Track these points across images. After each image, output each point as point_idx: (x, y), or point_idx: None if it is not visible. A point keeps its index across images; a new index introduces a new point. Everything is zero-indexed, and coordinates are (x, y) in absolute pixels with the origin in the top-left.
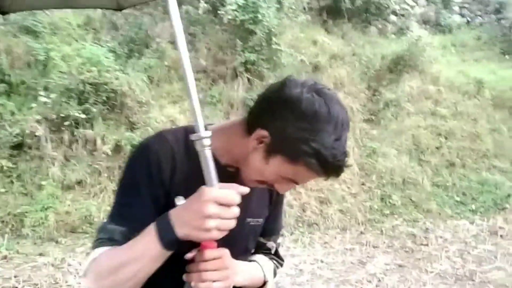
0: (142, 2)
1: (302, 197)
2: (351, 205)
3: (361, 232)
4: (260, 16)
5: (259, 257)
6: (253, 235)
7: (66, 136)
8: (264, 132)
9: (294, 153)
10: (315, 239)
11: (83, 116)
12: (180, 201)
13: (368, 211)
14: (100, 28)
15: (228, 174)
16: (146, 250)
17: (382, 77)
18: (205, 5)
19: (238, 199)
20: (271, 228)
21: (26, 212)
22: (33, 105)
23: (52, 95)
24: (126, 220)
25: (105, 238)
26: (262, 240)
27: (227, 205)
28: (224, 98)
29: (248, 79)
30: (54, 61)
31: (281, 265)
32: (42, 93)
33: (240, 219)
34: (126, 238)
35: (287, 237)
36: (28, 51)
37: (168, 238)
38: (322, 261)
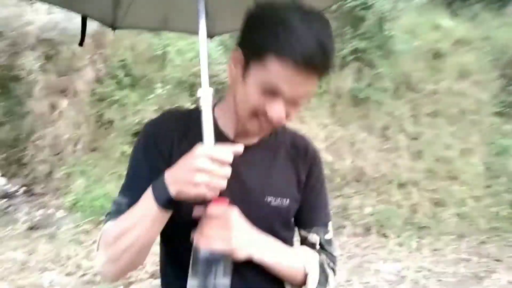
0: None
1: (413, 197)
2: (471, 210)
3: (482, 242)
4: (371, 1)
5: (301, 247)
6: (280, 218)
7: None
8: (236, 51)
9: (258, 49)
10: (424, 244)
11: (193, 106)
12: None
13: (494, 218)
14: None
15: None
16: (145, 213)
17: None
18: None
19: (230, 157)
20: (310, 218)
21: None
22: (151, 96)
23: (167, 87)
24: (130, 190)
25: (113, 211)
26: (302, 232)
27: (220, 163)
28: (331, 89)
29: (358, 68)
30: (170, 55)
31: (333, 262)
32: (158, 85)
33: (258, 196)
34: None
35: (391, 239)
36: (149, 47)
37: (162, 197)
38: (429, 270)
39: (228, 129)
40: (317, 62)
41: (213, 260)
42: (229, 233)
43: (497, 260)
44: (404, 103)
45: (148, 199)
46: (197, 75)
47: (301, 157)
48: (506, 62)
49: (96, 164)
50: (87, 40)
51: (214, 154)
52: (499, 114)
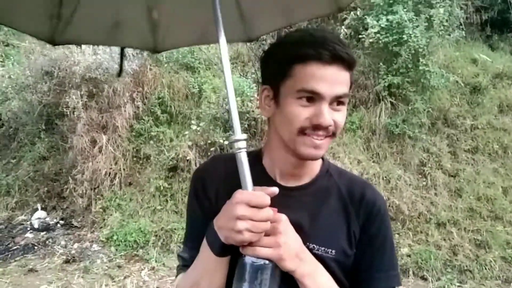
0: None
1: (453, 238)
2: None
3: None
4: (405, 37)
5: None
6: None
7: None
8: (262, 88)
9: (282, 70)
10: None
11: (227, 142)
12: None
13: None
14: (247, 61)
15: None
16: (206, 263)
17: None
18: (346, 30)
19: (267, 200)
20: (366, 279)
21: (175, 229)
22: (186, 132)
23: (202, 124)
24: (192, 241)
25: (181, 266)
26: None
27: (258, 207)
28: (365, 124)
29: (392, 104)
30: (205, 93)
31: None
32: (193, 121)
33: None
34: None
35: (430, 282)
36: (185, 85)
37: (216, 245)
38: None
39: (274, 170)
40: (341, 54)
41: (259, 268)
42: (278, 239)
43: None
44: (441, 139)
45: (204, 249)
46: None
47: (355, 206)
48: None
49: (131, 199)
50: (127, 78)
51: (250, 199)
52: None
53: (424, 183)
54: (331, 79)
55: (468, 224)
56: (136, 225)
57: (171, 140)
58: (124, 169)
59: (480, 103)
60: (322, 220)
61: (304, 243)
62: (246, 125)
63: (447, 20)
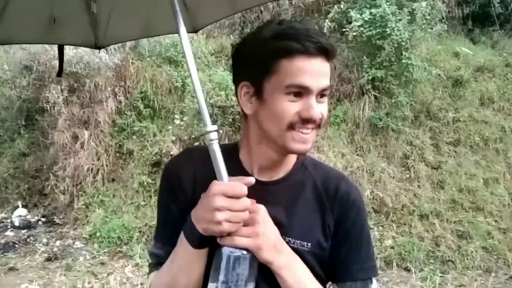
0: (211, 22)
1: (436, 229)
2: (499, 243)
3: (510, 277)
4: (388, 30)
5: None
6: None
7: None
8: (241, 84)
9: (265, 66)
10: (449, 279)
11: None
12: None
13: None
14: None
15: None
16: (184, 257)
17: None
18: (330, 23)
19: (244, 189)
20: (343, 271)
21: None
22: (170, 127)
23: (185, 118)
24: (166, 238)
25: (154, 263)
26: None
27: (236, 197)
28: (348, 118)
29: (376, 97)
30: (188, 87)
31: None
32: (177, 116)
33: None
34: None
35: (414, 273)
36: (168, 79)
37: (194, 237)
38: None
39: (250, 165)
40: (326, 45)
41: (237, 258)
42: (256, 229)
43: None
44: (424, 132)
45: (182, 243)
46: (215, 105)
47: (329, 199)
48: None
49: (114, 195)
50: (109, 73)
51: (227, 189)
52: None
53: (408, 175)
54: (317, 72)
55: (450, 216)
56: (119, 221)
57: (154, 135)
58: (106, 165)
59: (462, 96)
60: (298, 213)
61: (281, 236)
62: (230, 119)
63: (429, 14)
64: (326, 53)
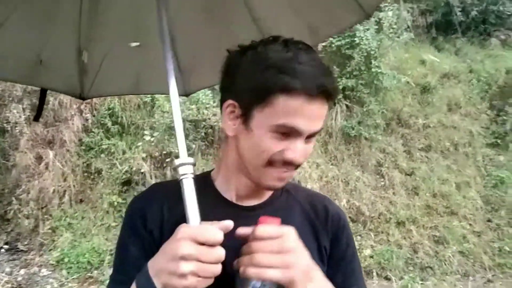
0: (206, 87)
1: (413, 236)
2: (474, 246)
3: (488, 280)
4: (357, 40)
5: None
6: None
7: (168, 172)
8: (228, 102)
9: (260, 92)
10: (429, 286)
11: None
12: None
13: (497, 254)
14: None
15: (241, 209)
16: None
17: (508, 94)
18: None
19: (220, 236)
20: None
21: None
22: (140, 143)
23: (156, 134)
24: (122, 275)
25: None
26: None
27: (207, 244)
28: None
29: (347, 106)
30: (158, 101)
31: None
32: (147, 132)
33: None
34: None
35: (394, 282)
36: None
37: None
38: None
39: (229, 191)
40: (329, 88)
41: None
42: (287, 259)
43: None
44: (396, 139)
45: None
46: (187, 120)
47: (320, 221)
48: (493, 93)
49: (83, 217)
50: None
51: (198, 234)
52: (491, 145)
53: (382, 183)
54: (313, 115)
55: (426, 221)
56: (89, 245)
57: (124, 152)
58: (74, 186)
59: (430, 103)
60: None
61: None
62: (203, 133)
63: (395, 23)
64: (328, 95)
